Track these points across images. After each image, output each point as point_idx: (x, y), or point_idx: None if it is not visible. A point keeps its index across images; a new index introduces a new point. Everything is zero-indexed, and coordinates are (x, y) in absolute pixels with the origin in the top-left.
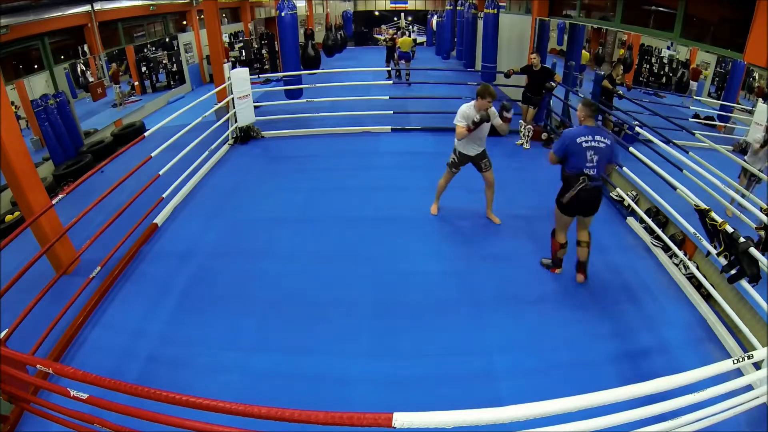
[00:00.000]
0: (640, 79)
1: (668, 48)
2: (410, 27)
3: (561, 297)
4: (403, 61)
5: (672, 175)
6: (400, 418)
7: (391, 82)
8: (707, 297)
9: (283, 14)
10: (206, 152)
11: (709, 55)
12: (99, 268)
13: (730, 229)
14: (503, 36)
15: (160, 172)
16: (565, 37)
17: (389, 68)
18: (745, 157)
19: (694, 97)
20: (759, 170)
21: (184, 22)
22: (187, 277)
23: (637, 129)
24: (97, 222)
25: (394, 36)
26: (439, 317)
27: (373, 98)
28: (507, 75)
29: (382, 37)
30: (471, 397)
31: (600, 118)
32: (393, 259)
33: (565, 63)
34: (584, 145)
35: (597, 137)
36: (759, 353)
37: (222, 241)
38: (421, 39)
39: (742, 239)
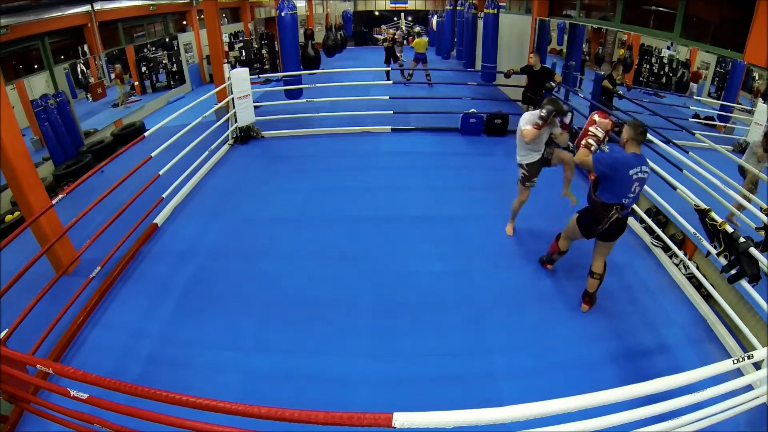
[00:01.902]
0: (640, 79)
1: (668, 48)
2: (413, 27)
3: (561, 297)
4: (420, 63)
5: (672, 175)
6: (400, 418)
7: (390, 81)
8: (707, 297)
9: (283, 14)
10: (206, 152)
11: (709, 55)
12: (99, 268)
13: (730, 229)
14: (503, 36)
15: (160, 172)
16: (565, 37)
17: (389, 68)
18: (743, 157)
19: (695, 98)
20: (759, 171)
21: (184, 22)
22: (187, 277)
23: None
24: (97, 222)
25: (395, 36)
26: (439, 317)
27: (373, 98)
28: (507, 75)
29: (382, 38)
30: (471, 397)
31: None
32: (393, 259)
33: (565, 63)
34: (635, 177)
35: (643, 167)
36: (759, 353)
37: (222, 241)
38: None
39: (742, 239)
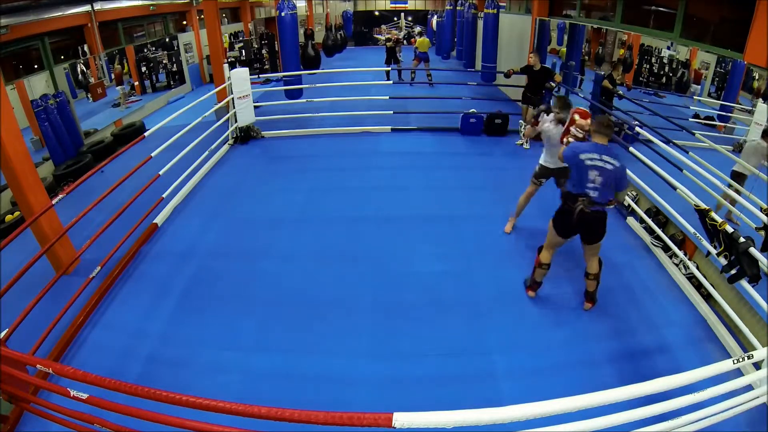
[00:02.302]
0: (640, 79)
1: (668, 48)
2: (414, 28)
3: (561, 297)
4: (417, 61)
5: (672, 175)
6: (400, 418)
7: (390, 81)
8: (707, 297)
9: (283, 14)
10: (206, 152)
11: (709, 55)
12: (99, 268)
13: (730, 229)
14: (503, 36)
15: (160, 172)
16: (565, 37)
17: (389, 68)
18: (741, 157)
19: (695, 98)
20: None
21: (184, 22)
22: (187, 277)
23: (637, 129)
24: (97, 222)
25: (397, 37)
26: (439, 317)
27: (373, 98)
28: (507, 75)
29: (383, 38)
30: (471, 397)
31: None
32: (393, 259)
33: (564, 63)
34: (587, 162)
35: (605, 157)
36: (759, 353)
37: (222, 241)
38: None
39: (742, 239)
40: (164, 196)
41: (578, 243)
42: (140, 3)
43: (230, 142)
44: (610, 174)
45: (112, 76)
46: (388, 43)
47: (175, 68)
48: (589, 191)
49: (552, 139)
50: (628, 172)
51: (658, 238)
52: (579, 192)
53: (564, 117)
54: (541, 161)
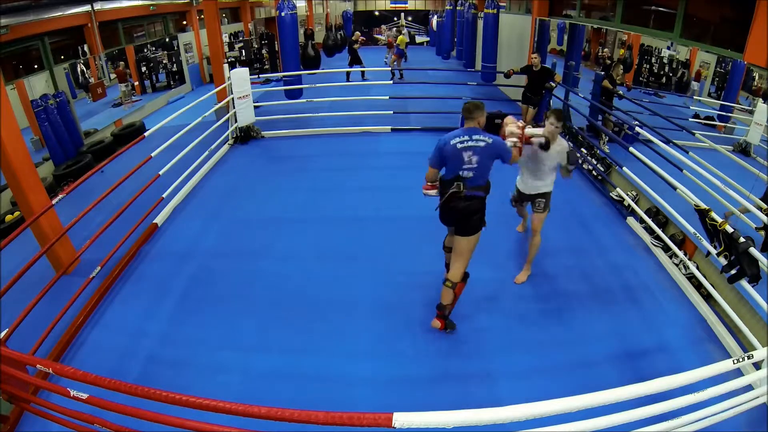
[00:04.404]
0: (640, 79)
1: (668, 48)
2: (408, 28)
3: (561, 297)
4: (396, 57)
5: (672, 175)
6: (400, 418)
7: (391, 81)
8: (707, 297)
9: (283, 14)
10: (206, 152)
11: (709, 55)
12: (99, 268)
13: (730, 229)
14: (503, 36)
15: (160, 172)
16: (565, 37)
17: (389, 68)
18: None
19: (695, 98)
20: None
21: (184, 22)
22: (187, 277)
23: (637, 129)
24: (97, 222)
25: (389, 36)
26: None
27: (373, 98)
28: (507, 75)
29: (383, 38)
30: (471, 397)
31: (601, 118)
32: (393, 259)
33: (564, 63)
34: (459, 146)
35: (475, 136)
36: (759, 353)
37: (222, 241)
38: (421, 39)
39: (742, 239)
40: (164, 196)
41: (581, 241)
42: (140, 3)
43: (230, 142)
44: (483, 151)
45: (112, 75)
46: (355, 45)
47: (175, 68)
48: (464, 172)
49: (539, 161)
50: (627, 170)
51: (658, 238)
52: (454, 175)
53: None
54: (517, 184)
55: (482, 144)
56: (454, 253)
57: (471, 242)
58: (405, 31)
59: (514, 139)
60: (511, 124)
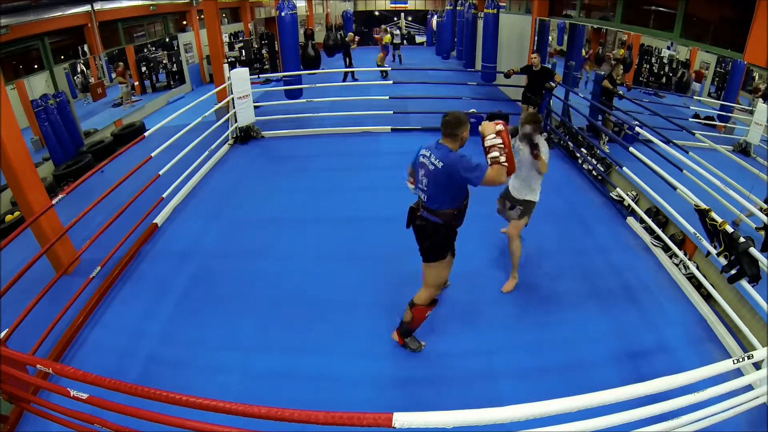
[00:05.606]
0: (640, 79)
1: (668, 48)
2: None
3: (561, 297)
4: (383, 54)
5: (672, 175)
6: (400, 418)
7: (391, 81)
8: (707, 297)
9: (283, 14)
10: (206, 152)
11: (709, 55)
12: (99, 268)
13: (730, 229)
14: (503, 36)
15: (160, 172)
16: (565, 37)
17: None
18: None
19: (695, 98)
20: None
21: (184, 22)
22: (187, 277)
23: (637, 129)
24: (97, 222)
25: (381, 36)
26: (439, 317)
27: (373, 98)
28: (507, 75)
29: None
30: (471, 397)
31: (601, 118)
32: (393, 258)
33: (565, 63)
34: (421, 159)
35: (434, 156)
36: (759, 353)
37: (222, 241)
38: (421, 39)
39: (742, 239)
40: (164, 196)
41: (581, 241)
42: (140, 3)
43: (230, 142)
44: (433, 175)
45: (113, 75)
46: (352, 46)
47: (175, 68)
48: (419, 192)
49: (522, 162)
50: (627, 170)
51: (658, 238)
52: (417, 191)
53: (529, 133)
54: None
55: (432, 167)
56: (423, 278)
57: (431, 270)
58: (392, 30)
59: (495, 154)
60: (489, 135)
